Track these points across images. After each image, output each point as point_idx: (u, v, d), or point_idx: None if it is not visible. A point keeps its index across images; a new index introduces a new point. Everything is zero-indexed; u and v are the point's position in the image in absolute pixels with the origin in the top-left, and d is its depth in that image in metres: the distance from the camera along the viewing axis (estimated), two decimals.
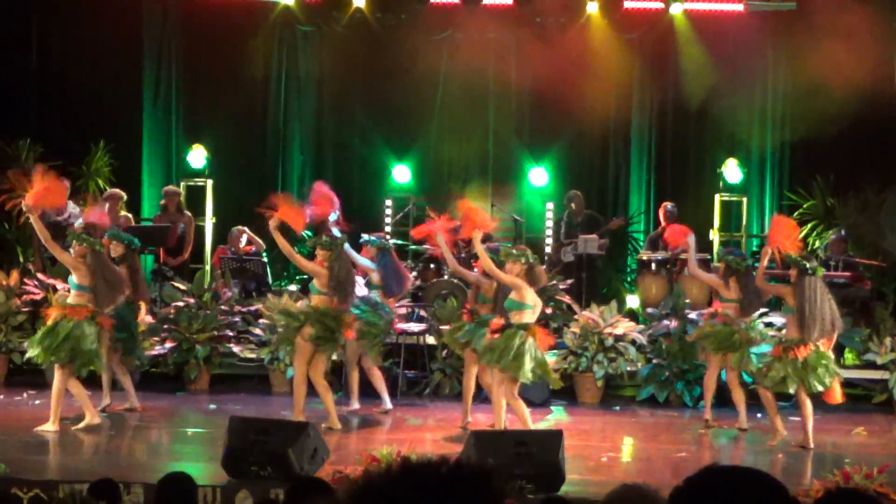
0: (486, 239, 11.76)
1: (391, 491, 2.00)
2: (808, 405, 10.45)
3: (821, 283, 10.48)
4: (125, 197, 14.73)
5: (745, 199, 15.73)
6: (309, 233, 13.52)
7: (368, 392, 12.45)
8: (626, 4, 15.90)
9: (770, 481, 2.33)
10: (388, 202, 16.13)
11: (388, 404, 11.81)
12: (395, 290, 12.00)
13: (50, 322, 10.52)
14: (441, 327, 12.65)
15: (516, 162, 16.57)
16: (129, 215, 14.80)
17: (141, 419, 11.38)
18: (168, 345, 12.85)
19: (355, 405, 11.81)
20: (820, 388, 10.36)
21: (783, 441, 10.61)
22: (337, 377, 12.44)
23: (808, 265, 10.44)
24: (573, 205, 15.21)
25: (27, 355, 10.98)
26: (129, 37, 16.29)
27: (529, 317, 10.03)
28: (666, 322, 13.02)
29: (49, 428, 10.33)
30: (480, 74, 16.33)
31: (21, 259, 15.07)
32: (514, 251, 10.38)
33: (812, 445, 10.41)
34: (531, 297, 10.04)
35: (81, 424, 10.51)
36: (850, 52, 13.91)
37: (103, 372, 11.20)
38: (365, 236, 12.27)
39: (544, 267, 14.67)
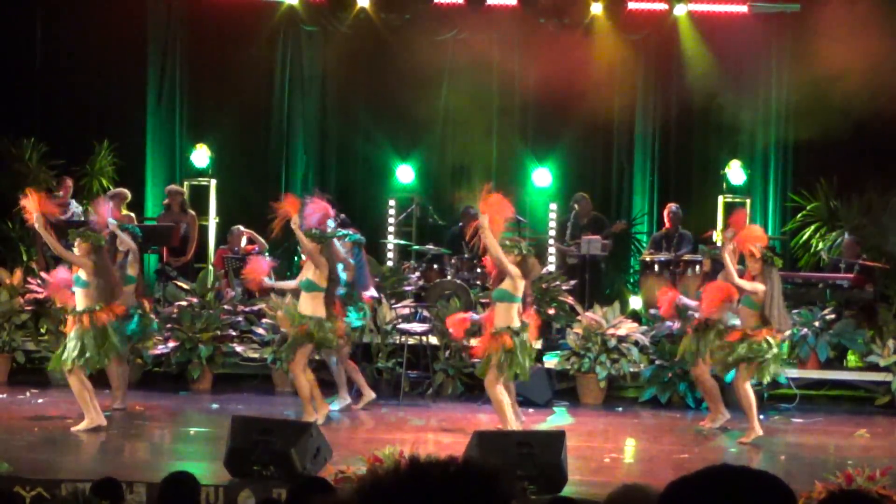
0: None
1: (399, 489, 2.00)
2: (751, 394, 10.69)
3: (777, 274, 10.70)
4: (129, 197, 14.78)
5: (748, 201, 15.71)
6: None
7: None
8: (631, 5, 15.88)
9: (777, 483, 2.33)
10: (392, 202, 16.12)
11: (371, 394, 11.98)
12: (366, 287, 12.07)
13: (71, 332, 10.53)
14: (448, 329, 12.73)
15: (520, 162, 16.56)
16: (132, 214, 14.81)
17: (144, 418, 11.39)
18: (171, 344, 12.86)
19: (346, 400, 11.84)
20: (768, 379, 10.70)
21: (757, 438, 10.68)
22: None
23: (768, 254, 10.63)
24: (577, 206, 15.21)
25: (51, 366, 10.97)
26: (133, 36, 16.30)
27: (516, 312, 10.13)
28: (669, 323, 13.01)
29: (93, 424, 10.42)
30: (484, 75, 16.32)
31: (24, 258, 15.09)
32: (507, 242, 10.48)
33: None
34: (521, 289, 10.20)
35: (82, 426, 10.51)
36: (854, 53, 13.90)
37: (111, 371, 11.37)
38: (341, 230, 12.27)
39: (552, 268, 14.75)
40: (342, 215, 14.65)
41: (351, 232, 12.24)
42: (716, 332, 11.08)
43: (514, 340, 10.14)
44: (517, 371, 10.26)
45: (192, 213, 15.09)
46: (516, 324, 10.23)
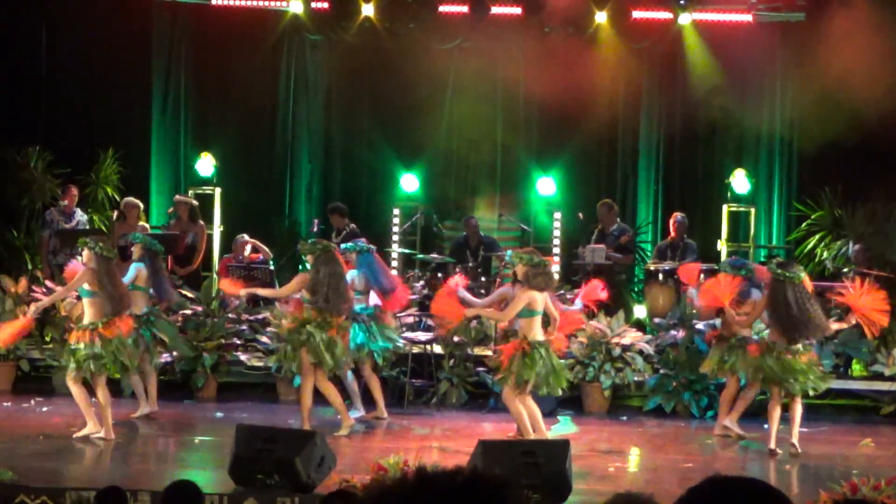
0: None
1: (406, 499, 2.00)
2: (796, 409, 10.65)
3: (793, 288, 10.50)
4: (142, 206, 14.90)
5: (752, 210, 15.71)
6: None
7: (372, 400, 12.48)
8: (635, 14, 15.89)
9: (772, 491, 2.33)
10: (396, 211, 16.14)
11: (384, 413, 11.87)
12: (386, 287, 11.99)
13: (80, 344, 10.53)
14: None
15: (524, 171, 16.56)
16: (147, 225, 14.92)
17: (148, 427, 11.40)
18: (175, 353, 12.85)
19: (360, 412, 11.83)
20: (801, 391, 10.59)
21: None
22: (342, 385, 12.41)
23: (777, 271, 10.53)
24: (600, 214, 15.12)
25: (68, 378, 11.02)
26: (138, 45, 16.34)
27: (538, 324, 10.16)
28: (673, 332, 13.00)
29: (103, 435, 10.48)
30: (489, 84, 16.34)
31: (29, 266, 15.10)
32: (524, 254, 10.48)
33: (798, 450, 10.54)
34: (540, 302, 10.15)
35: (84, 432, 10.55)
36: (859, 62, 13.90)
37: (134, 379, 11.48)
38: (344, 245, 12.25)
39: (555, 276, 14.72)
40: (352, 225, 14.72)
41: (351, 244, 12.20)
42: (736, 343, 11.05)
43: (529, 350, 10.16)
44: (528, 379, 10.25)
45: (202, 223, 15.09)
46: (537, 337, 10.24)
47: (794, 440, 10.63)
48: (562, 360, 10.72)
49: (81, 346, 10.40)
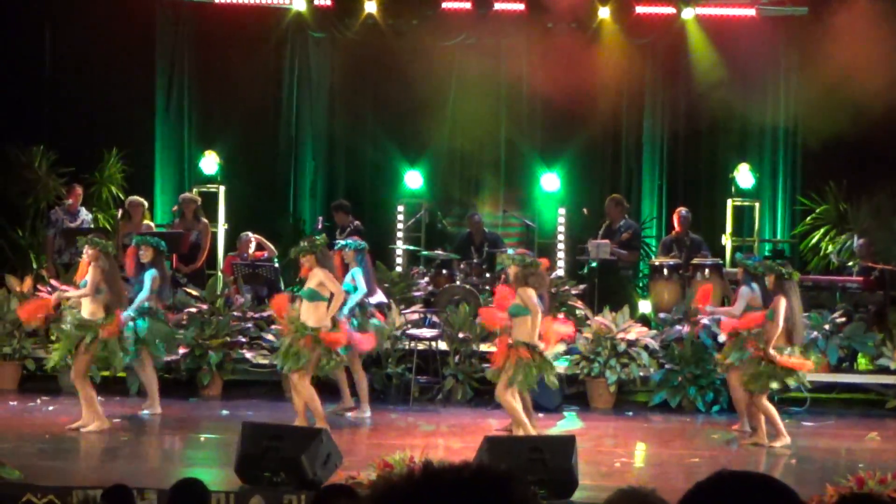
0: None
1: (413, 494, 2.00)
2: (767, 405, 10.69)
3: (796, 287, 10.60)
4: (146, 204, 14.91)
5: (757, 204, 15.70)
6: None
7: (378, 397, 12.48)
8: (638, 10, 15.89)
9: (780, 486, 2.33)
10: (400, 208, 16.14)
11: (350, 404, 11.89)
12: (373, 290, 12.04)
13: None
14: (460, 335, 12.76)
15: (528, 167, 16.56)
16: (152, 224, 14.92)
17: (155, 425, 11.42)
18: (181, 351, 12.86)
19: (368, 412, 11.84)
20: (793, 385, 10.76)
21: (785, 444, 10.66)
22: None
23: (784, 270, 10.53)
24: (607, 209, 15.09)
25: (50, 363, 11.25)
26: (141, 44, 16.35)
27: (528, 323, 10.12)
28: (678, 327, 13.00)
29: (93, 428, 10.61)
30: (492, 80, 16.34)
31: (34, 265, 15.12)
32: (516, 255, 10.51)
33: (766, 443, 10.61)
34: (532, 301, 10.12)
35: (77, 424, 10.68)
36: (863, 56, 13.89)
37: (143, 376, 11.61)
38: (339, 242, 12.24)
39: (561, 272, 14.73)
40: (356, 222, 14.73)
41: (350, 241, 12.21)
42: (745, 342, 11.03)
43: (531, 354, 10.15)
44: (530, 382, 10.29)
45: (206, 221, 15.10)
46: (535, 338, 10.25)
47: (751, 432, 10.70)
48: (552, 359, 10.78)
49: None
